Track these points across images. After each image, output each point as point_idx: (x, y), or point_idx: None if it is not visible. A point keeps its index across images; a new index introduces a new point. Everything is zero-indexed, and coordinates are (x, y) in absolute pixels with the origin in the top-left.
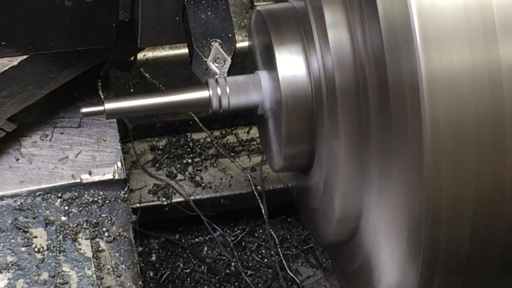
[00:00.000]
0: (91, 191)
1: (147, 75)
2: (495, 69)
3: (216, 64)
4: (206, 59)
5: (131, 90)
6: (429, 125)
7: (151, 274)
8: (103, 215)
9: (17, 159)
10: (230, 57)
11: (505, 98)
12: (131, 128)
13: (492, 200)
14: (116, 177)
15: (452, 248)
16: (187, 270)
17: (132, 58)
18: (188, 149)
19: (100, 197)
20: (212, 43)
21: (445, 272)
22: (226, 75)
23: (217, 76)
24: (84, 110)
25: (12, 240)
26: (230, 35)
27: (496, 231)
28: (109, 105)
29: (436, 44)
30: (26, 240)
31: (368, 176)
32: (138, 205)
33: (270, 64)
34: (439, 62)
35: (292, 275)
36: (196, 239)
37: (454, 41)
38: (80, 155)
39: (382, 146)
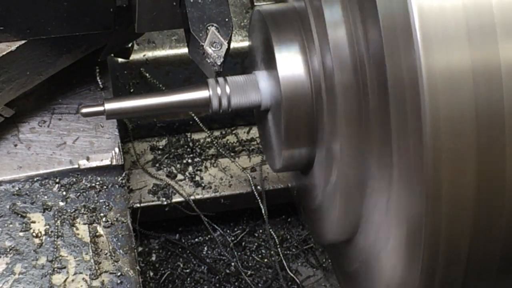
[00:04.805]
0: (89, 176)
1: (147, 75)
2: (495, 68)
3: (213, 48)
4: (203, 43)
5: (131, 90)
6: (429, 124)
7: (151, 274)
8: (101, 201)
9: (15, 145)
10: (226, 42)
11: (505, 98)
12: (131, 128)
13: (492, 200)
14: (114, 162)
15: (452, 248)
16: (187, 270)
17: (129, 45)
18: (188, 149)
19: (98, 183)
20: (208, 28)
21: (445, 272)
22: (222, 59)
23: (215, 69)
24: (84, 110)
25: (10, 225)
26: (227, 19)
27: (496, 230)
28: (109, 105)
29: (436, 43)
30: (24, 225)
31: (368, 176)
32: (138, 205)
33: (270, 64)
34: (439, 61)
35: (292, 275)
36: (196, 239)
37: (454, 40)
38: (78, 141)
39: (382, 145)
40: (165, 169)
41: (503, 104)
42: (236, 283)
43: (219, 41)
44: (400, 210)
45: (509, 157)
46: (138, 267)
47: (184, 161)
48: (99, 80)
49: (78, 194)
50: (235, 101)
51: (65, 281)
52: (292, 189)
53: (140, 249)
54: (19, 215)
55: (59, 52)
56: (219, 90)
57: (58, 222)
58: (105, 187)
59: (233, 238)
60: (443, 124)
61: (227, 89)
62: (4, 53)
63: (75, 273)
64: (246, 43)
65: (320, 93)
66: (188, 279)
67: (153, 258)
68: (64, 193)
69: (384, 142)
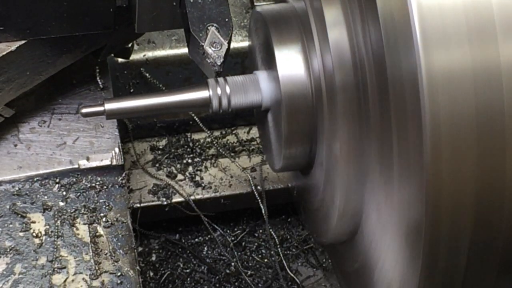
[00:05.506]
0: (89, 176)
1: (147, 75)
2: (495, 68)
3: (213, 48)
4: (203, 43)
5: (131, 90)
6: (429, 124)
7: (151, 274)
8: (101, 201)
9: (15, 145)
10: (227, 42)
11: (505, 98)
12: (131, 128)
13: (492, 200)
14: (114, 162)
15: (452, 248)
16: (187, 270)
17: (129, 45)
18: (188, 149)
19: (98, 183)
20: (208, 28)
21: (445, 272)
22: (222, 59)
23: (215, 69)
24: (84, 110)
25: (10, 225)
26: (227, 19)
27: (496, 230)
28: (109, 105)
29: (436, 43)
30: (24, 225)
31: (368, 176)
32: (138, 205)
33: (270, 64)
34: (439, 61)
35: (292, 275)
36: (196, 239)
37: (454, 40)
38: (78, 141)
39: (382, 145)
40: (165, 169)
41: (503, 103)
42: (236, 283)
43: (219, 41)
44: (400, 210)
45: (509, 157)
46: (138, 267)
47: (184, 161)
48: (99, 80)
49: (78, 194)
50: (235, 101)
51: (65, 281)
52: (292, 189)
53: (140, 249)
54: (19, 215)
55: (59, 52)
56: (219, 90)
57: (58, 222)
58: (105, 187)
59: (233, 238)
60: (443, 124)
61: (227, 89)
62: (4, 53)
63: (75, 273)
64: (246, 43)
65: (320, 93)
66: (188, 279)
67: (153, 258)
68: (64, 193)
69: (384, 142)
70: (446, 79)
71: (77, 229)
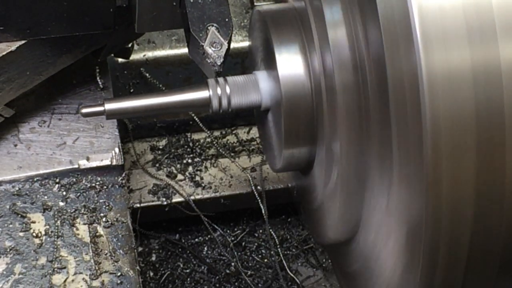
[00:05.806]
0: (89, 176)
1: (147, 75)
2: (495, 68)
3: (213, 48)
4: (203, 43)
5: (131, 90)
6: (429, 124)
7: (151, 274)
8: (101, 201)
9: (15, 145)
10: (227, 42)
11: (505, 98)
12: (131, 128)
13: (492, 200)
14: (114, 163)
15: (452, 248)
16: (187, 270)
17: (129, 45)
18: (188, 149)
19: (98, 183)
20: (209, 28)
21: (445, 272)
22: (222, 59)
23: (215, 69)
24: (84, 110)
25: (10, 225)
26: (227, 19)
27: (496, 231)
28: (109, 105)
29: (436, 43)
30: (24, 225)
31: (368, 176)
32: (138, 205)
33: (270, 64)
34: (439, 61)
35: (292, 275)
36: (196, 239)
37: (454, 40)
38: (78, 141)
39: (382, 145)
40: (165, 169)
41: (503, 103)
42: (236, 283)
43: (219, 41)
44: (400, 210)
45: (509, 157)
46: (138, 267)
47: (184, 161)
48: (99, 80)
49: (78, 194)
50: (235, 101)
51: (65, 281)
52: (292, 189)
53: (140, 249)
54: (19, 215)
55: (59, 52)
56: (219, 90)
57: (58, 222)
58: (105, 187)
59: (233, 238)
60: (443, 124)
61: (227, 89)
62: (4, 53)
63: (75, 273)
64: (246, 43)
65: (320, 93)
66: (188, 279)
67: (153, 258)
68: (64, 193)
69: (384, 142)
70: (446, 79)
71: (77, 229)
